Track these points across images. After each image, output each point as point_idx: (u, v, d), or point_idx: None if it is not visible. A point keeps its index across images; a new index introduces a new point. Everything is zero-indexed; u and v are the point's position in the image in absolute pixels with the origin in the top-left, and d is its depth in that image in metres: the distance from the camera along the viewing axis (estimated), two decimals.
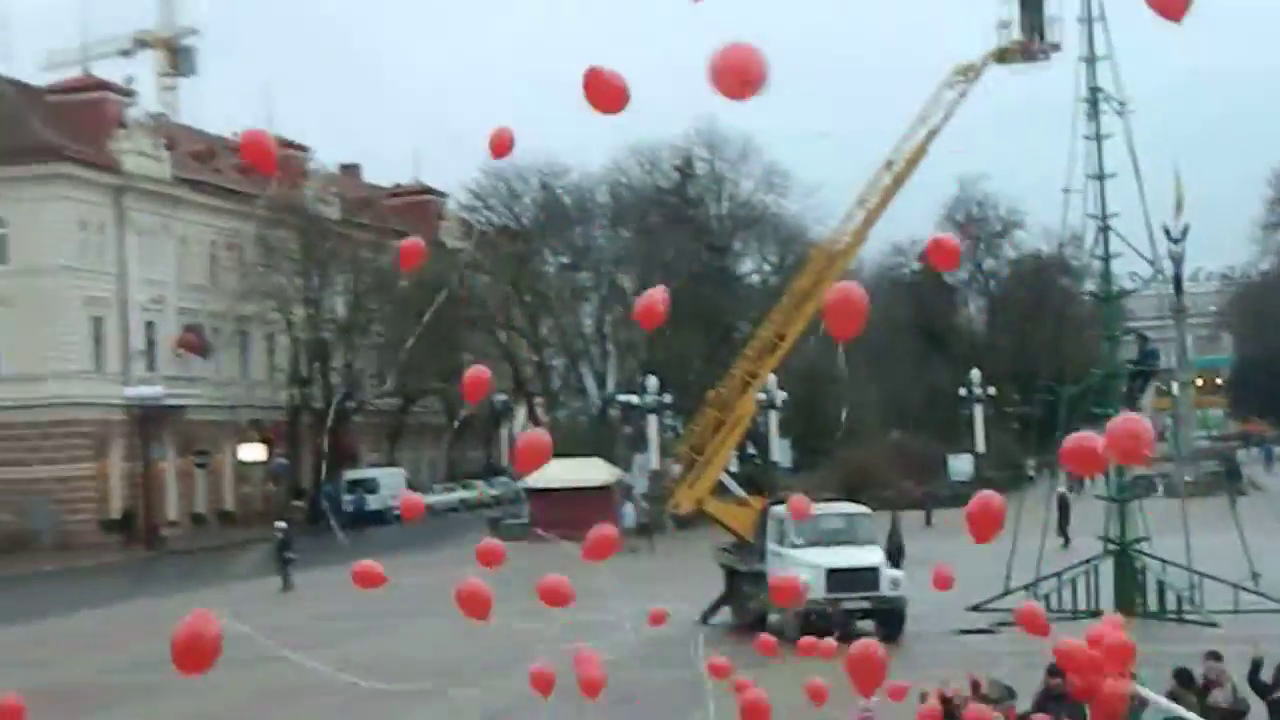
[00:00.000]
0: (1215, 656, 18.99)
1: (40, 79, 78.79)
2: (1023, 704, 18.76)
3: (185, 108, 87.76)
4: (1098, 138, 37.57)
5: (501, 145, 11.20)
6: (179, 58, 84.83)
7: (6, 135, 72.42)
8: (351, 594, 45.73)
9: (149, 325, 79.16)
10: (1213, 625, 34.48)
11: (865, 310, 8.71)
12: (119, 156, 77.86)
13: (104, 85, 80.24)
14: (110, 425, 76.03)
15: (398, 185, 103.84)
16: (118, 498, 75.68)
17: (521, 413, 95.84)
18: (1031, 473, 62.44)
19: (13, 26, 76.36)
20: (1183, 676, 18.52)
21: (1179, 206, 45.23)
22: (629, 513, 65.51)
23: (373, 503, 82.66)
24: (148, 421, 75.82)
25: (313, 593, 50.64)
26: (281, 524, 55.67)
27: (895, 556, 42.90)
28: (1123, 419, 8.13)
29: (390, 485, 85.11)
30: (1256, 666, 19.18)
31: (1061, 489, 47.36)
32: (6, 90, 74.22)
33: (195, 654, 6.69)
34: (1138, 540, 38.51)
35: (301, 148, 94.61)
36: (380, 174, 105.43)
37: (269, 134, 10.10)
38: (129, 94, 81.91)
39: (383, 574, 17.75)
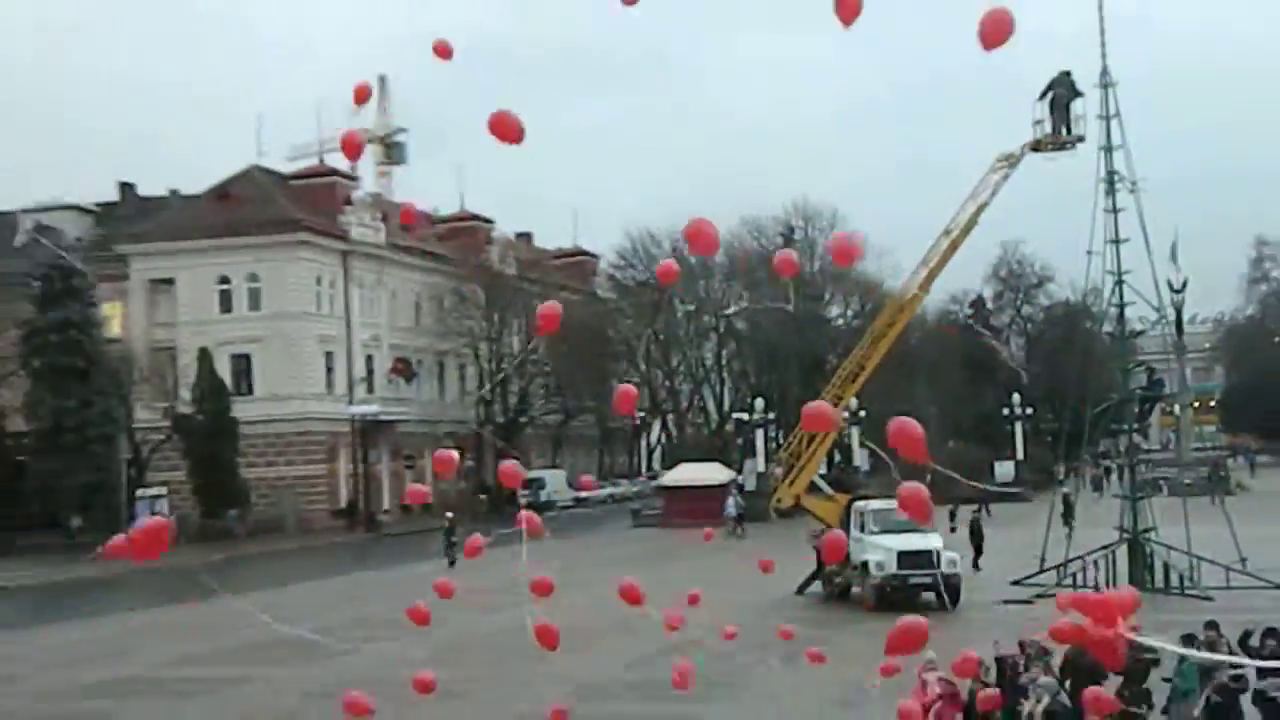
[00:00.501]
0: (1213, 626, 19.41)
1: (286, 167, 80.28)
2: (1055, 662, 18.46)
3: (397, 188, 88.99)
4: (1114, 211, 37.91)
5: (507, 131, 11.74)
6: (392, 151, 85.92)
7: (260, 211, 73.96)
8: (504, 570, 47.21)
9: (368, 358, 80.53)
10: (1208, 599, 34.75)
11: (922, 438, 10.12)
12: (346, 228, 79.54)
13: (334, 172, 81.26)
14: (338, 435, 77.36)
15: (560, 248, 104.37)
16: (344, 492, 77.20)
17: (656, 426, 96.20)
18: (1060, 476, 62.06)
19: (266, 128, 78.13)
20: (1186, 640, 18.14)
21: (1173, 258, 45.65)
22: (730, 505, 66.81)
23: (541, 496, 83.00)
24: (367, 432, 77.54)
25: (471, 568, 50.81)
26: (449, 515, 56.18)
27: (978, 541, 44.78)
28: (900, 421, 9.55)
29: (554, 483, 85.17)
30: (1247, 635, 19.44)
31: (1066, 490, 47.23)
32: (261, 177, 75.87)
33: (153, 543, 7.12)
34: (1147, 530, 38.76)
35: (487, 220, 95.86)
36: (547, 239, 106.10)
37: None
38: (354, 179, 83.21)
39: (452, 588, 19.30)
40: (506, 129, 11.56)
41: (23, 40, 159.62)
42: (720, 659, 28.69)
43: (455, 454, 19.69)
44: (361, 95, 12.77)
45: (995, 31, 11.01)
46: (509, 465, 13.56)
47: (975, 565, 42.72)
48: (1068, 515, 46.24)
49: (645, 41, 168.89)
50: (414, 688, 17.30)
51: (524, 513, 22.26)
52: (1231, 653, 18.92)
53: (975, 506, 50.51)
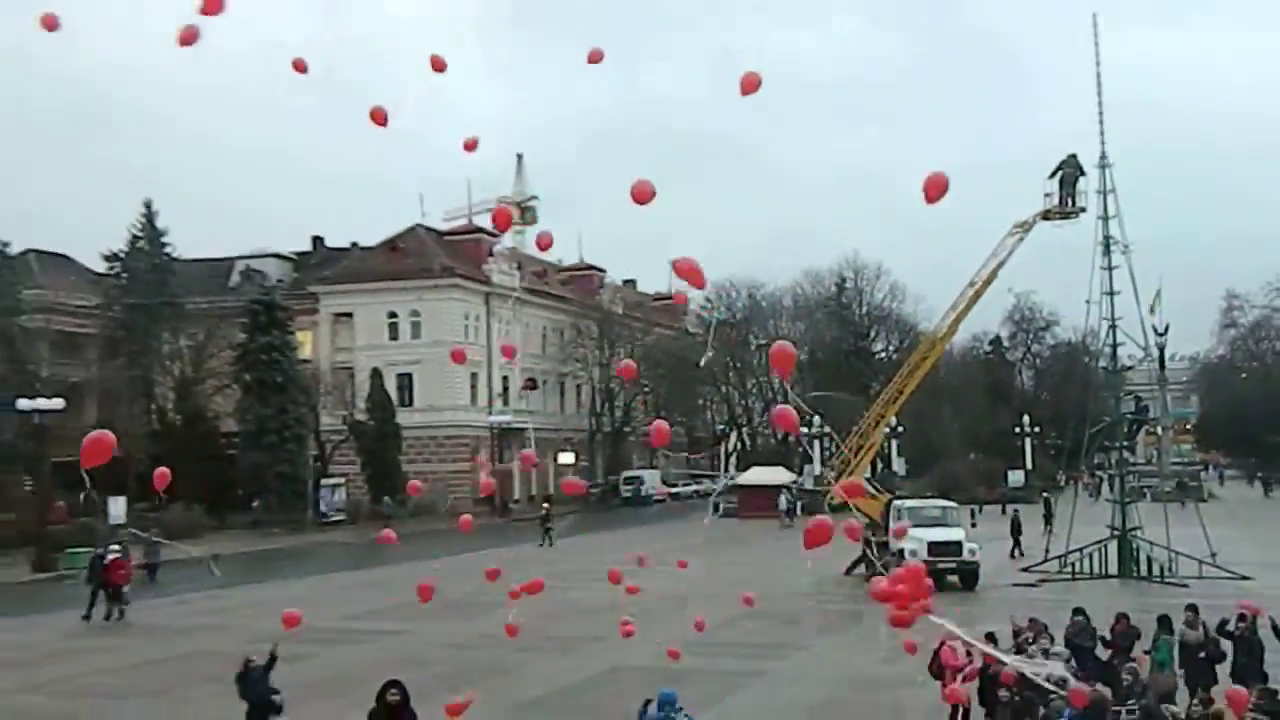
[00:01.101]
0: (1192, 608, 18.77)
1: (441, 225, 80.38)
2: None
3: (529, 244, 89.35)
4: (1109, 269, 37.88)
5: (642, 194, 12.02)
6: (526, 213, 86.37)
7: (421, 261, 74.60)
8: (599, 551, 46.80)
9: (504, 378, 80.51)
10: (1184, 586, 33.57)
11: (793, 357, 10.47)
12: (488, 274, 79.87)
13: (480, 230, 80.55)
14: (479, 438, 77.65)
15: (658, 292, 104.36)
16: (483, 482, 74.58)
17: (733, 436, 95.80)
18: (1062, 483, 61.45)
19: (427, 193, 78.70)
20: (1163, 621, 18.52)
21: (1154, 308, 45.19)
22: (782, 501, 66.50)
23: (641, 491, 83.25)
24: (502, 436, 77.93)
25: (566, 548, 51.36)
26: (545, 504, 56.28)
27: (1016, 534, 44.11)
28: (815, 521, 9.48)
29: (650, 481, 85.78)
30: (1225, 621, 18.67)
31: (1046, 494, 46.29)
32: (422, 234, 76.47)
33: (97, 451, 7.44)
34: (1133, 529, 38.36)
35: (600, 269, 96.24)
36: (647, 284, 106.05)
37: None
38: (495, 236, 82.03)
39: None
40: (643, 193, 11.85)
41: (244, 125, 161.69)
42: (790, 624, 28.76)
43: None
44: (470, 146, 13.00)
45: (934, 189, 11.31)
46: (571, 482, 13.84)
47: (1013, 554, 41.99)
48: (1048, 517, 45.68)
49: (723, 126, 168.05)
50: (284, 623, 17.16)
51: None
52: (1208, 635, 18.32)
53: (1015, 507, 49.97)
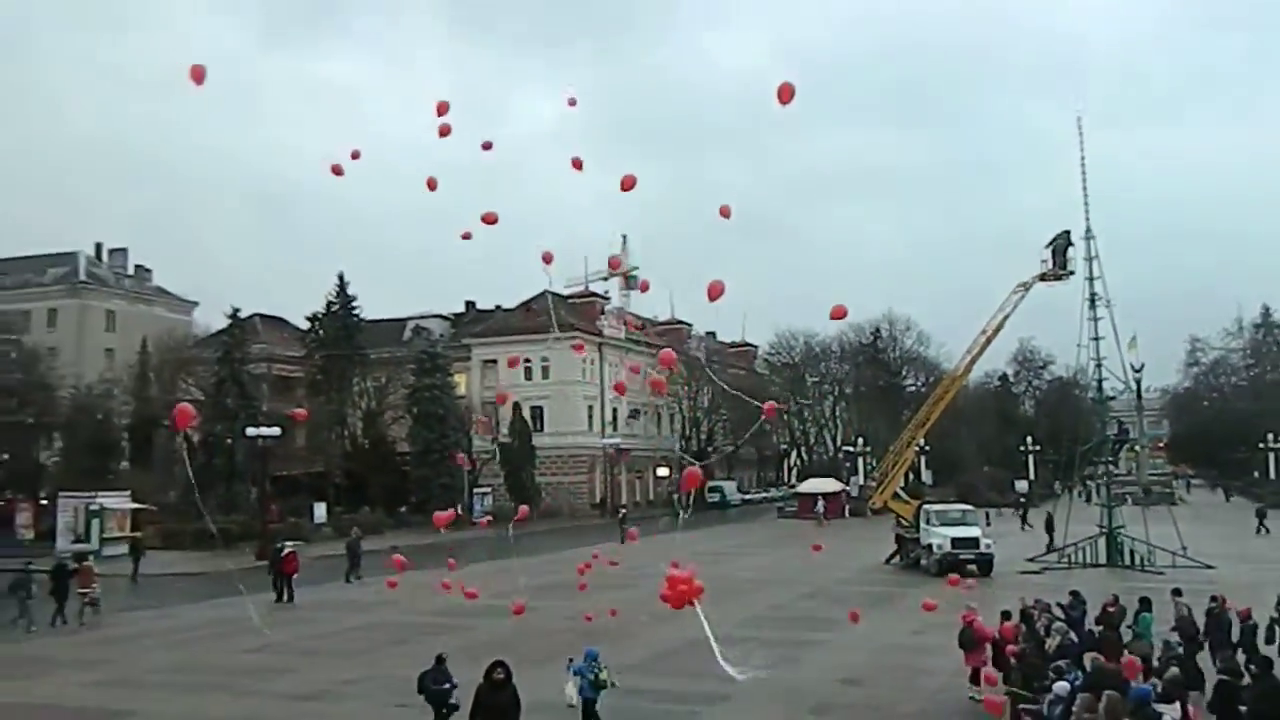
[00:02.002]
0: (1178, 592, 18.77)
1: (564, 291, 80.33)
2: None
3: (633, 304, 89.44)
4: (1095, 319, 37.89)
5: (715, 291, 12.07)
6: (629, 280, 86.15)
7: (549, 319, 75.68)
8: (690, 545, 46.15)
9: (613, 409, 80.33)
10: (1160, 574, 33.50)
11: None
12: (601, 329, 79.98)
13: (593, 294, 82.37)
14: (595, 456, 77.46)
15: (734, 341, 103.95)
16: (598, 491, 77.18)
17: (794, 453, 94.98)
18: (1059, 491, 60.58)
19: (558, 269, 78.97)
20: (1144, 601, 18.38)
21: (1132, 346, 44.50)
22: (818, 506, 66.11)
23: (723, 497, 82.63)
24: (613, 455, 77.52)
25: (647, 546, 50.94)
26: (622, 508, 55.91)
27: (1050, 529, 42.17)
28: (674, 574, 9.59)
29: (729, 490, 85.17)
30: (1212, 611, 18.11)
31: (1022, 499, 45.34)
32: (550, 298, 76.65)
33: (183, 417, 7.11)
34: (1118, 527, 37.96)
35: (686, 323, 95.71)
36: (726, 335, 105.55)
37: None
38: (605, 298, 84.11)
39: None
40: (715, 290, 12.08)
41: (408, 212, 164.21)
42: (837, 603, 28.57)
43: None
44: (490, 220, 13.26)
45: (714, 291, 11.46)
46: (692, 471, 13.96)
47: (1049, 548, 40.59)
48: (1023, 519, 44.91)
49: (767, 209, 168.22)
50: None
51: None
52: (1190, 611, 17.84)
53: (1048, 510, 49.02)
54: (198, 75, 12.62)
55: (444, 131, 13.80)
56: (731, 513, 76.78)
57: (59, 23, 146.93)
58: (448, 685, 14.91)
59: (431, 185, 14.90)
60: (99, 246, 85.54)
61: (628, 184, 13.25)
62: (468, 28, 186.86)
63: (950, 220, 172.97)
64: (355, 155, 14.47)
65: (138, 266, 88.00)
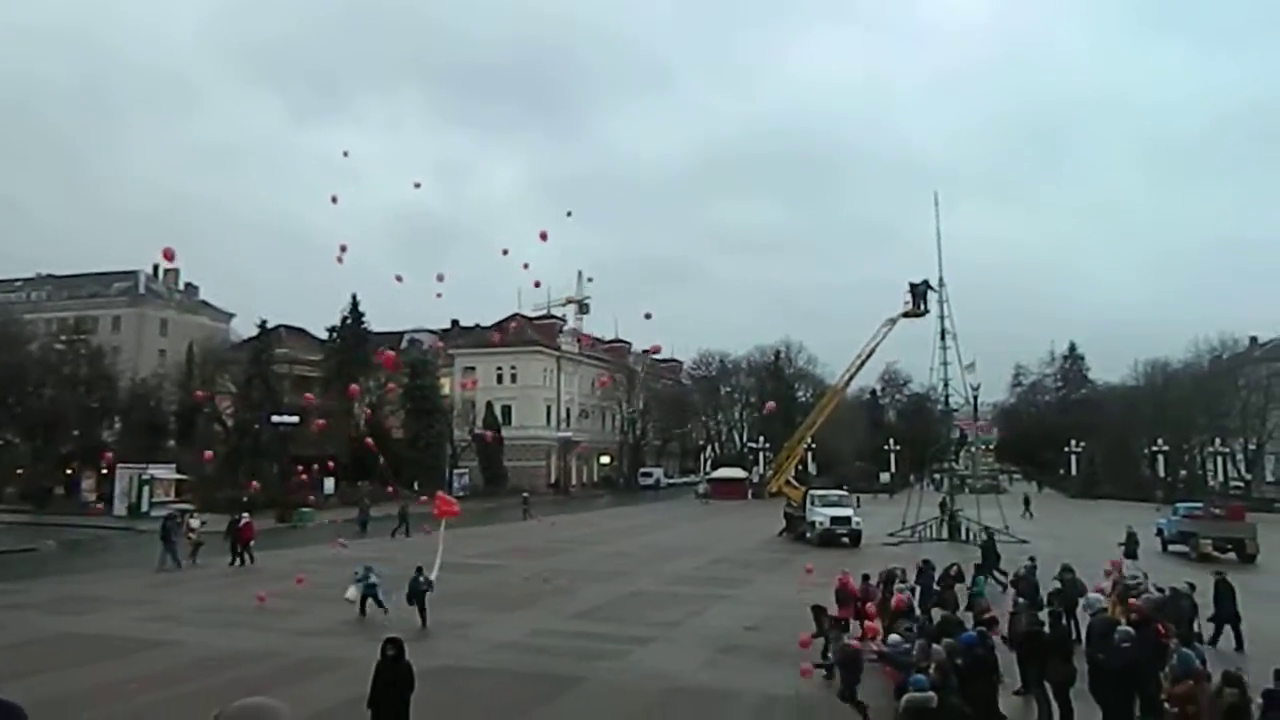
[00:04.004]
0: (1069, 570, 17.62)
1: (531, 313, 79.72)
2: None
3: (586, 327, 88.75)
4: (944, 348, 38.12)
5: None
6: (581, 307, 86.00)
7: (518, 336, 73.98)
8: (625, 519, 45.63)
9: (567, 409, 79.61)
10: None
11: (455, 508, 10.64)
12: (559, 345, 79.30)
13: (553, 317, 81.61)
14: (552, 446, 76.60)
15: (666, 357, 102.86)
16: (553, 474, 76.24)
17: (709, 449, 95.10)
18: (912, 482, 61.30)
19: (523, 297, 78.52)
20: (979, 567, 18.79)
21: (971, 370, 45.15)
22: (700, 489, 66.83)
23: (653, 481, 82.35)
24: (565, 445, 76.98)
25: (601, 517, 51.07)
26: (525, 494, 54.96)
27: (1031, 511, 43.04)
28: (441, 497, 9.63)
29: (658, 476, 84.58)
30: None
31: (845, 490, 44.97)
32: (519, 320, 76.16)
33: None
34: (956, 510, 38.35)
35: (627, 342, 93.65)
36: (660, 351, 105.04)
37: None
38: (563, 320, 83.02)
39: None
40: (447, 508, 12.53)
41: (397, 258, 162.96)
42: (744, 566, 28.65)
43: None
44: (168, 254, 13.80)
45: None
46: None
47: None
48: (858, 503, 44.53)
49: (687, 258, 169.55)
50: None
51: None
52: (1027, 573, 18.02)
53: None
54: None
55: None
56: (660, 494, 76.65)
57: (134, 100, 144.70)
58: (421, 579, 18.36)
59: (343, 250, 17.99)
60: (156, 267, 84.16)
61: (543, 236, 13.91)
62: (444, 115, 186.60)
63: (831, 269, 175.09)
64: (334, 199, 16.68)
65: (187, 284, 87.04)
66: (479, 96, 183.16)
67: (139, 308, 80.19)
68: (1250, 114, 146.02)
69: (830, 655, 13.36)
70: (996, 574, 21.55)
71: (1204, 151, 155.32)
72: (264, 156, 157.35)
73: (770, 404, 50.42)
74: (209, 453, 47.46)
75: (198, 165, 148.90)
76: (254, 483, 39.82)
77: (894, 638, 12.14)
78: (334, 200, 36.78)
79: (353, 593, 19.19)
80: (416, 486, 59.35)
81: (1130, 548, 28.34)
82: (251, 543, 28.09)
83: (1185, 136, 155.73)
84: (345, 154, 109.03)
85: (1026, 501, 48.53)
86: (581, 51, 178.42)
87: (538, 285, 71.31)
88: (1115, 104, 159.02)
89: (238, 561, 27.51)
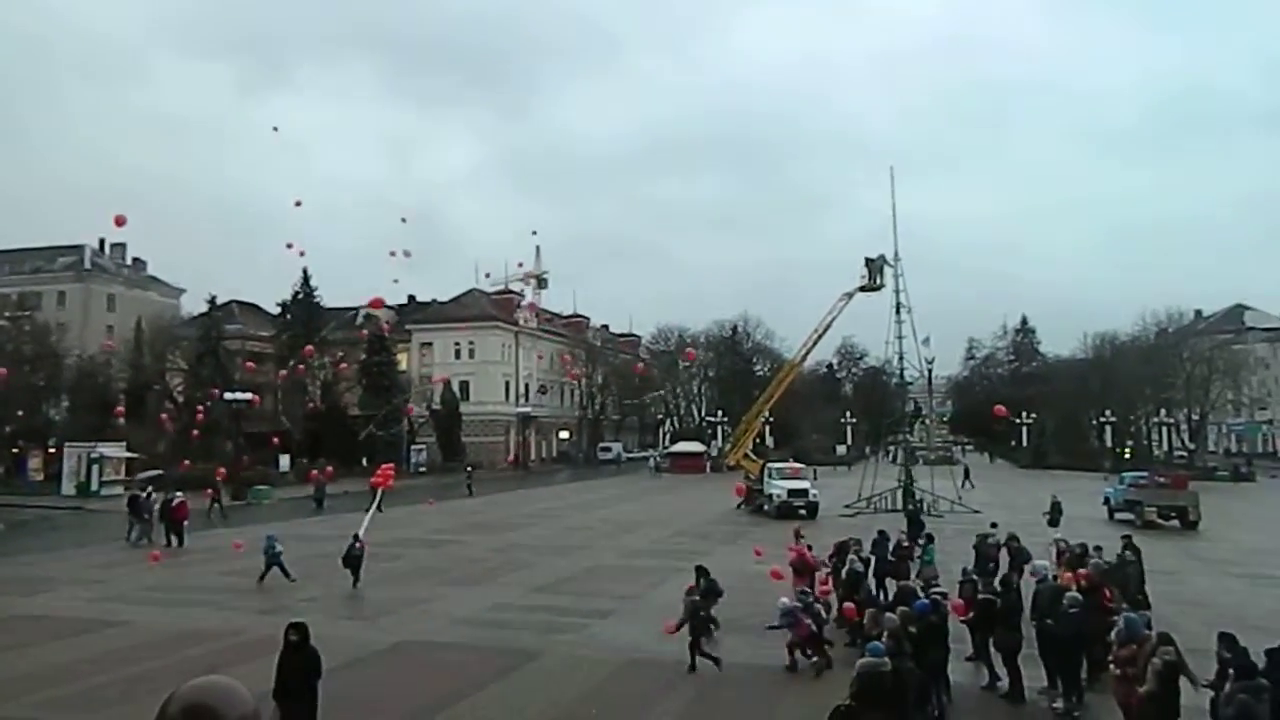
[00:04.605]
0: (1015, 539, 18.03)
1: (489, 288, 78.67)
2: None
3: (544, 301, 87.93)
4: (899, 323, 38.38)
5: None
6: (540, 282, 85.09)
7: (476, 311, 73.73)
8: (583, 494, 45.66)
9: (525, 385, 78.99)
10: (940, 516, 34.25)
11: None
12: (517, 320, 78.56)
13: (511, 292, 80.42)
14: (511, 421, 76.07)
15: (623, 332, 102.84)
16: (512, 449, 75.65)
17: (668, 423, 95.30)
18: (869, 454, 61.96)
19: (481, 267, 78.03)
20: (929, 537, 18.72)
21: (927, 344, 45.58)
22: (651, 462, 67.79)
23: (611, 456, 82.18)
24: (524, 421, 76.86)
25: (562, 491, 51.09)
26: (469, 467, 54.76)
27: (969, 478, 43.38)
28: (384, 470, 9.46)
29: (618, 450, 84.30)
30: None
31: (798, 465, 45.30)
32: (477, 294, 75.23)
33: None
34: (911, 480, 38.26)
35: (585, 317, 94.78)
36: (617, 327, 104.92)
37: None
38: (521, 295, 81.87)
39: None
40: (384, 478, 12.53)
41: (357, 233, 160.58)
42: (703, 539, 28.87)
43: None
44: (376, 304, 14.06)
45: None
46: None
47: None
48: (815, 476, 45.02)
49: (639, 236, 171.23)
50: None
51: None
52: (988, 538, 18.39)
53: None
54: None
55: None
56: (621, 468, 76.79)
57: (79, 74, 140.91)
58: (357, 544, 20.00)
59: (378, 304, 18.21)
60: (102, 241, 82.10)
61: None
62: (394, 89, 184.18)
63: (783, 245, 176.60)
64: (298, 203, 16.24)
65: (135, 259, 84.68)
66: (429, 71, 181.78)
67: (85, 283, 77.99)
68: (1186, 96, 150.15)
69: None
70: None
71: (1141, 133, 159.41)
72: (211, 129, 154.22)
73: (690, 350, 50.30)
74: (165, 417, 46.58)
75: (143, 137, 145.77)
76: (221, 469, 38.41)
77: (784, 600, 13.23)
78: (298, 204, 36.46)
79: (365, 524, 20.93)
80: (365, 463, 59.04)
81: (1054, 516, 28.92)
82: (185, 523, 27.00)
83: (1123, 118, 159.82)
84: (275, 129, 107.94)
85: (966, 473, 48.02)
86: (528, 25, 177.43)
87: (488, 276, 71.60)
88: (1056, 86, 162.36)
89: (171, 543, 26.36)
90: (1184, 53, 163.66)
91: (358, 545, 19.94)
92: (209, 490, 33.95)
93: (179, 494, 28.48)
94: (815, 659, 12.89)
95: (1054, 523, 28.17)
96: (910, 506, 29.91)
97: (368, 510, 22.49)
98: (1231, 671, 8.28)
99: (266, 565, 19.97)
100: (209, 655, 12.88)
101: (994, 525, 19.72)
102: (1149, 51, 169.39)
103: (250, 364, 42.05)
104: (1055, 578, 13.30)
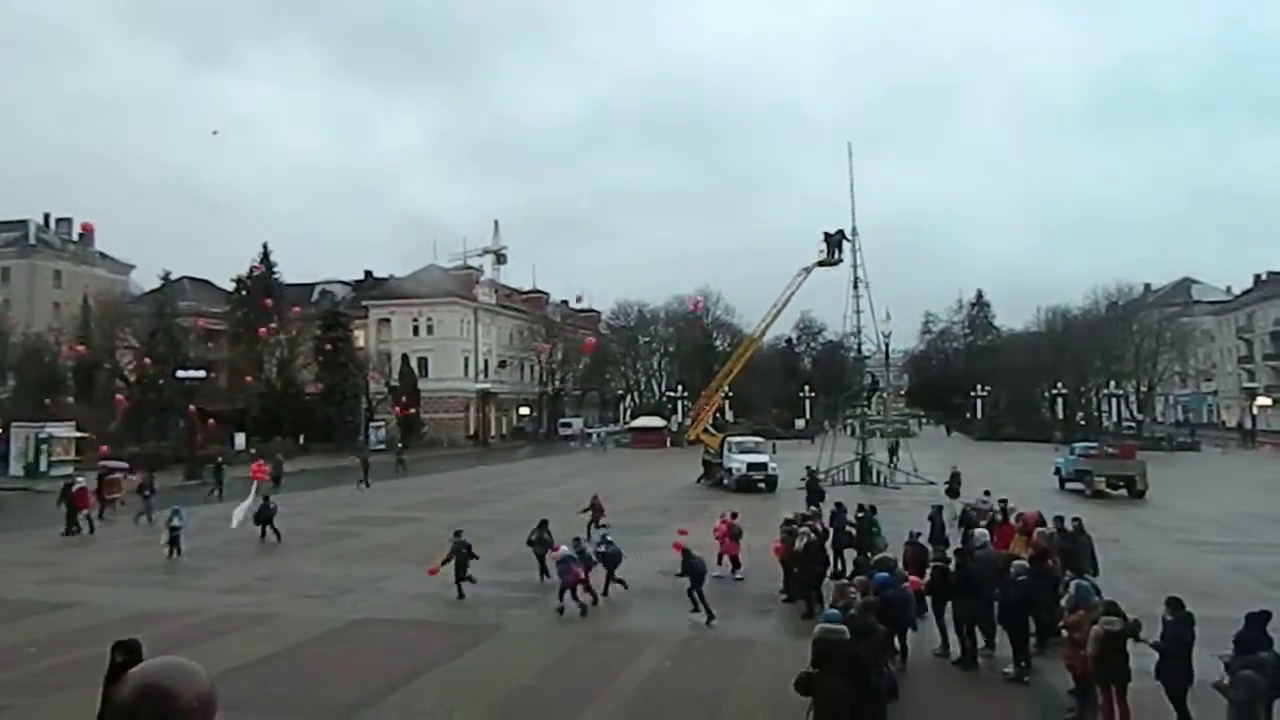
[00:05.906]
0: (981, 512, 17.92)
1: (447, 264, 78.76)
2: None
3: (503, 277, 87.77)
4: (857, 297, 38.60)
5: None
6: (499, 257, 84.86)
7: (435, 286, 73.05)
8: (544, 470, 45.37)
9: (485, 361, 78.31)
10: (897, 489, 34.84)
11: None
12: (476, 295, 77.89)
13: (470, 268, 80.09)
14: (470, 398, 75.44)
15: (585, 308, 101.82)
16: (472, 426, 75.12)
17: (628, 399, 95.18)
18: (827, 428, 62.50)
19: (439, 243, 77.19)
20: (873, 509, 18.44)
21: (886, 319, 46.13)
22: (594, 437, 68.60)
23: (570, 431, 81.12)
24: (484, 398, 76.10)
25: (529, 466, 51.17)
26: (400, 445, 53.95)
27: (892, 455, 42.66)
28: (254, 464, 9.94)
29: (577, 424, 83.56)
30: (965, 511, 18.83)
31: (763, 439, 45.19)
32: (435, 270, 75.08)
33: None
34: (868, 454, 38.98)
35: (545, 292, 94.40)
36: (581, 302, 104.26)
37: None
38: (480, 271, 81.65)
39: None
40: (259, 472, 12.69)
41: (312, 205, 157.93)
42: (663, 513, 29.03)
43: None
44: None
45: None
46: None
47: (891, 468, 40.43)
48: (775, 449, 45.17)
49: (592, 216, 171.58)
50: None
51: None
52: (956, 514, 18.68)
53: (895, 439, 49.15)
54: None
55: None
56: (577, 444, 76.64)
57: (12, 46, 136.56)
58: (271, 504, 23.42)
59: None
60: (47, 216, 80.00)
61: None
62: (342, 66, 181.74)
63: (736, 221, 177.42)
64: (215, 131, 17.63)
65: (81, 234, 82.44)
66: (376, 48, 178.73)
67: (29, 259, 75.96)
68: (1120, 67, 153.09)
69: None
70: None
71: (1077, 110, 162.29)
72: (156, 106, 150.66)
73: (590, 340, 50.01)
74: (120, 397, 45.67)
75: (88, 115, 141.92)
76: (197, 436, 37.33)
77: (562, 548, 16.02)
78: (215, 132, 35.86)
79: (238, 516, 23.05)
80: (324, 440, 58.49)
81: (953, 487, 29.32)
82: (86, 511, 25.55)
83: (1059, 95, 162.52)
84: (215, 132, 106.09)
85: (892, 450, 44.33)
86: (478, 2, 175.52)
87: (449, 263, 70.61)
88: (996, 62, 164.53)
89: (74, 530, 24.82)
90: (1118, 33, 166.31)
91: (272, 505, 23.29)
92: (140, 475, 31.33)
93: (79, 480, 27.02)
94: (583, 601, 15.30)
95: (953, 493, 28.49)
96: (805, 478, 29.99)
97: (245, 501, 24.17)
98: (1233, 647, 8.16)
99: (170, 538, 20.83)
100: (164, 635, 12.70)
101: (987, 493, 19.93)
102: (1082, 27, 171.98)
103: (208, 334, 41.19)
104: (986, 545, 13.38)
